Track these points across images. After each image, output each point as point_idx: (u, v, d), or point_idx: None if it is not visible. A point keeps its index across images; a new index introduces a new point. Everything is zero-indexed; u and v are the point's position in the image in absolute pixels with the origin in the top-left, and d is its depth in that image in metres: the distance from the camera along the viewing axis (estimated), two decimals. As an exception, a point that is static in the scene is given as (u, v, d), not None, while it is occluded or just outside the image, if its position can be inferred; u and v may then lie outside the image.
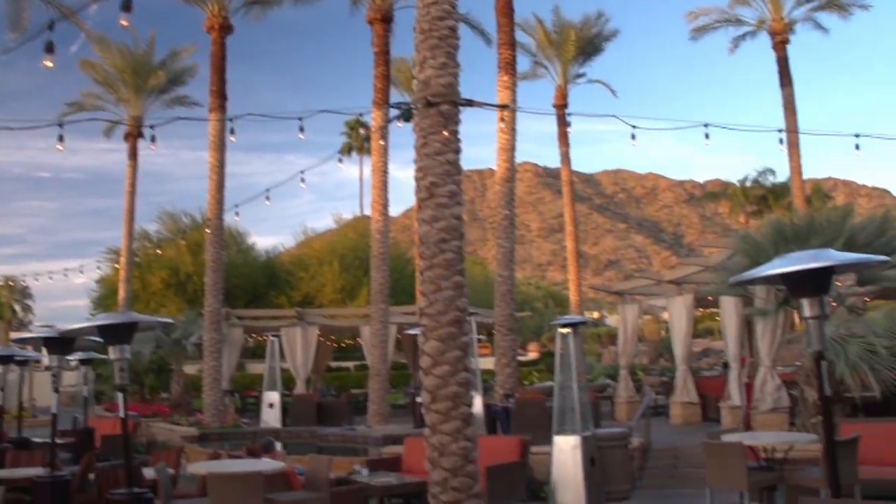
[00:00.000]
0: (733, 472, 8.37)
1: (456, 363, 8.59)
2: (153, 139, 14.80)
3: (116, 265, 35.86)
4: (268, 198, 19.33)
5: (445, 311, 8.70)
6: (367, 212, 23.04)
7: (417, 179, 9.17)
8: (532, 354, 42.94)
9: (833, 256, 6.59)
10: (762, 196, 47.46)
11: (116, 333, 8.03)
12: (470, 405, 8.70)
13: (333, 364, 36.09)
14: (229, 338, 25.26)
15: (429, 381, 8.63)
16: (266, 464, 9.38)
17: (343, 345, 34.67)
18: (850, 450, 8.67)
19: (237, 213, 23.04)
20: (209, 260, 22.63)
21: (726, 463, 8.45)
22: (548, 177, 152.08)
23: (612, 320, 50.68)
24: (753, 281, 7.04)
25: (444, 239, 8.88)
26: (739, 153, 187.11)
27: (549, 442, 12.06)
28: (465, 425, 8.54)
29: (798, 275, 6.49)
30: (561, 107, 30.65)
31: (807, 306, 6.59)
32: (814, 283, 6.56)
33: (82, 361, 17.00)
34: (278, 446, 12.83)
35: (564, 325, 12.29)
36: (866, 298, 16.86)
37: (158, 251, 40.16)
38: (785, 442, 9.10)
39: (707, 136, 14.57)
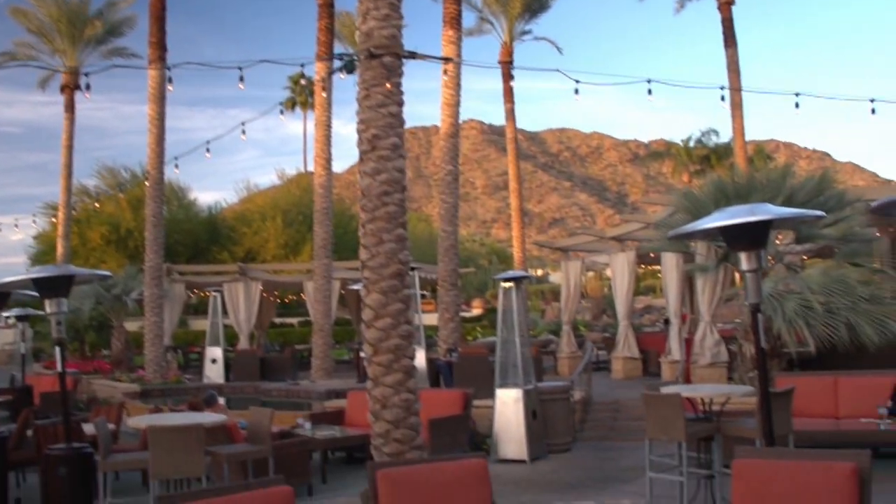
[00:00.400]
0: (672, 423, 8.50)
1: (398, 316, 8.59)
2: (88, 87, 14.41)
3: (54, 220, 35.08)
4: (208, 150, 19.07)
5: (387, 263, 8.66)
6: (312, 168, 22.82)
7: (359, 132, 9.08)
8: (476, 311, 43.16)
9: (770, 210, 6.66)
10: (705, 156, 48.06)
11: (52, 286, 7.84)
12: (412, 358, 8.72)
13: (277, 320, 35.92)
14: (171, 293, 24.93)
15: (371, 333, 8.62)
16: (207, 416, 9.31)
17: (287, 300, 34.48)
18: (785, 401, 8.87)
19: (177, 166, 22.71)
20: (149, 214, 22.19)
21: (665, 414, 8.57)
22: (493, 134, 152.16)
23: (555, 277, 51.17)
24: (692, 234, 7.09)
25: (387, 192, 8.82)
26: (684, 114, 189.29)
27: (491, 396, 12.19)
28: (408, 378, 8.56)
29: (736, 228, 6.55)
30: (506, 63, 30.50)
31: (744, 260, 6.67)
32: (751, 236, 6.63)
33: (19, 318, 16.69)
34: (221, 401, 12.75)
35: (507, 280, 12.38)
36: (804, 257, 17.19)
37: (97, 205, 39.39)
38: (722, 394, 9.26)
39: (650, 91, 14.63)
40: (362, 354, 8.91)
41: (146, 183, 22.90)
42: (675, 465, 8.91)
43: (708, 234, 6.88)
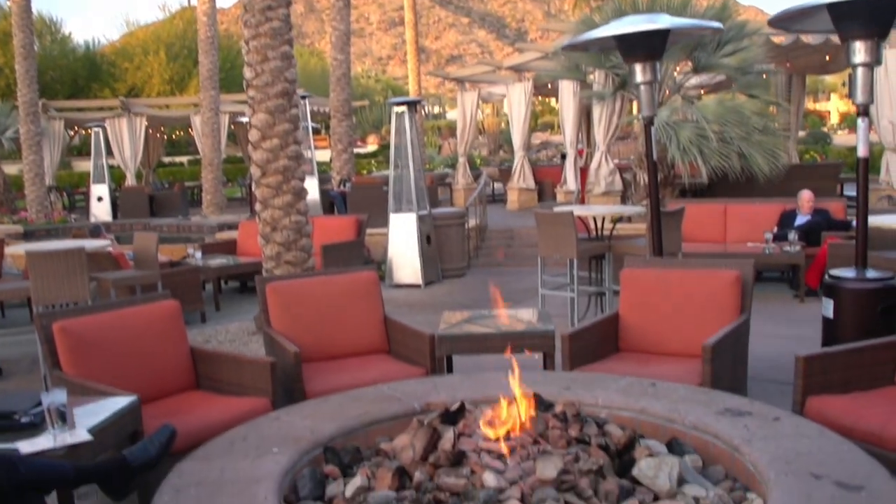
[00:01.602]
0: (564, 240, 8.54)
1: (285, 136, 8.26)
2: None
3: None
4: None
5: (273, 82, 8.25)
6: (196, 2, 21.49)
7: (241, -60, 8.46)
8: (371, 146, 42.66)
9: (668, 20, 6.53)
10: (608, -9, 47.22)
11: None
12: (302, 179, 8.47)
13: (166, 159, 34.84)
14: (49, 131, 23.70)
15: (258, 155, 8.29)
16: (90, 242, 8.95)
17: (174, 137, 33.32)
18: (675, 220, 8.98)
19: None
20: (18, 45, 20.63)
21: (557, 232, 8.60)
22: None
23: (452, 115, 50.74)
24: (588, 44, 6.93)
25: (270, 6, 8.31)
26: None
27: (386, 224, 12.09)
28: (297, 199, 8.33)
29: (633, 37, 6.41)
30: None
31: (639, 72, 6.58)
32: (647, 46, 6.51)
33: None
34: (109, 237, 12.32)
35: (400, 104, 12.08)
36: (702, 91, 17.31)
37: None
38: (614, 212, 9.37)
39: None
40: (255, 189, 8.61)
41: (11, 8, 21.21)
42: (566, 283, 9.05)
43: (603, 43, 6.70)
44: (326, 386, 4.88)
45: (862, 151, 5.60)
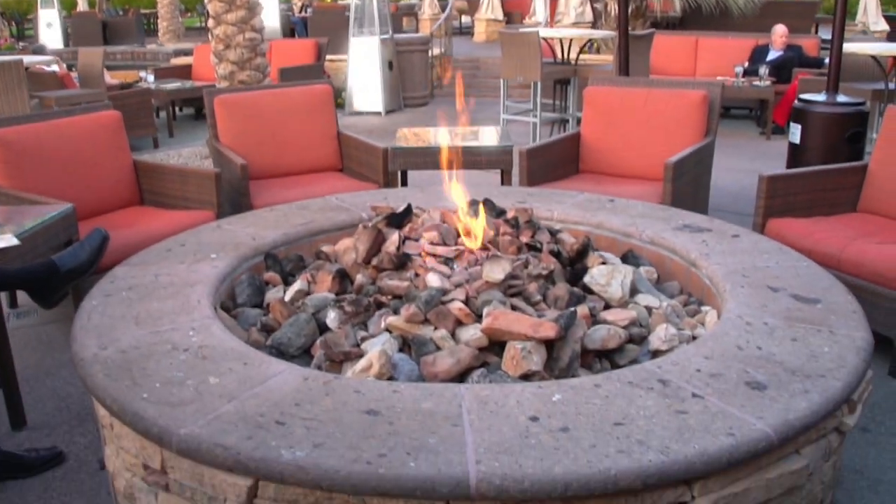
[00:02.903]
0: (528, 61, 8.21)
1: (238, -56, 7.76)
2: None
3: None
4: None
5: None
6: None
7: None
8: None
9: None
10: None
11: None
12: (255, -7, 8.02)
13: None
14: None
15: (208, -35, 7.81)
16: (31, 57, 8.51)
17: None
18: (645, 45, 8.72)
19: None
20: None
21: (522, 53, 8.25)
22: None
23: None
24: None
25: None
26: None
27: (347, 51, 11.64)
28: (252, 14, 7.92)
29: None
30: None
31: None
32: None
33: None
34: (55, 57, 11.76)
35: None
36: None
37: None
38: (582, 34, 9.03)
39: None
40: (206, 3, 8.11)
41: None
42: (530, 109, 8.82)
43: None
44: (273, 200, 4.68)
45: (842, -35, 5.37)
